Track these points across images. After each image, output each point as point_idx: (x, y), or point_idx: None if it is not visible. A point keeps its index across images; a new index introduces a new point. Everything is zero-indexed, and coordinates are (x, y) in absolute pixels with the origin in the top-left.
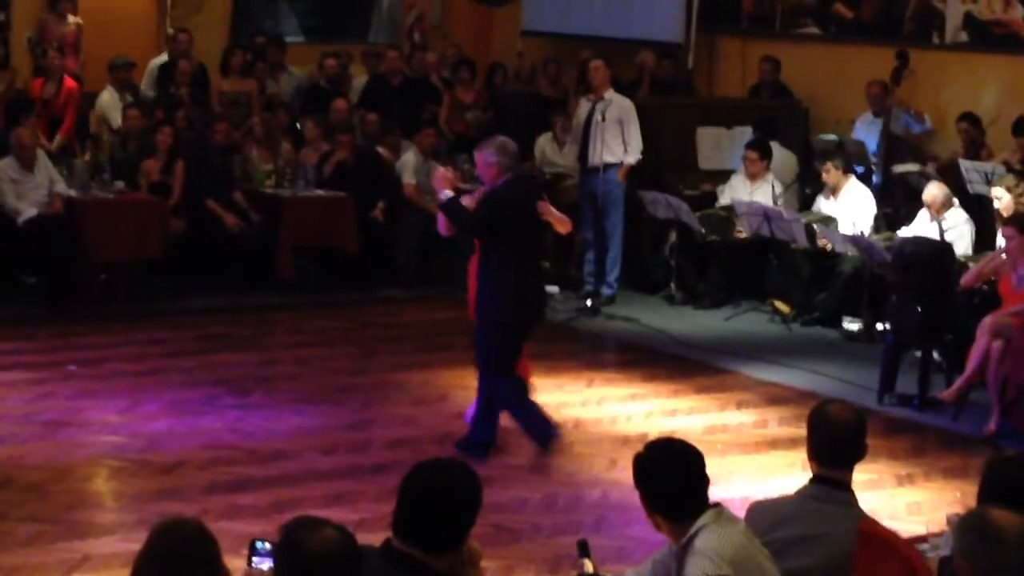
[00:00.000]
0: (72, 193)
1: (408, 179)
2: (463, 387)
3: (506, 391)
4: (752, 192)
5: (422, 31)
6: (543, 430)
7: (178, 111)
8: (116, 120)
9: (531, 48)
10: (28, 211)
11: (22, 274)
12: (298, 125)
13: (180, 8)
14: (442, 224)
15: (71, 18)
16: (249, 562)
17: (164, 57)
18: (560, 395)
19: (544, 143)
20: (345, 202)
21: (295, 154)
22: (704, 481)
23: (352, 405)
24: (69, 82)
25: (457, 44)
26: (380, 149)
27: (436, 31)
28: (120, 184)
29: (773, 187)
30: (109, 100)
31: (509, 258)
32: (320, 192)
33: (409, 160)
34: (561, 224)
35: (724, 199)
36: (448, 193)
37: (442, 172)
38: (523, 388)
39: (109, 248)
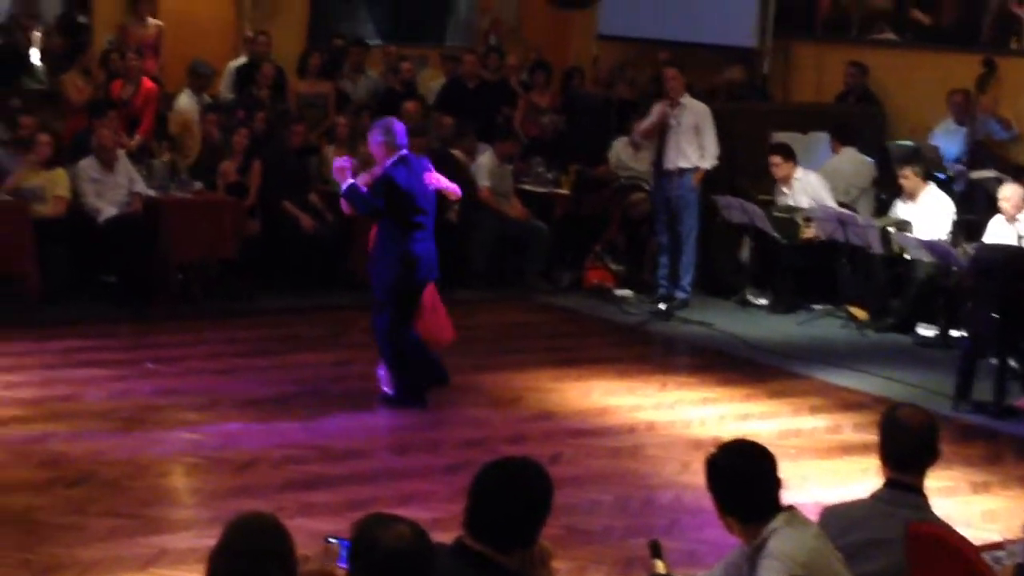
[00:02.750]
0: (151, 193)
1: (483, 182)
2: (536, 390)
3: (408, 342)
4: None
5: (498, 34)
6: (412, 390)
7: (257, 113)
8: (195, 123)
9: (607, 52)
10: (108, 210)
11: (102, 273)
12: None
13: (258, 11)
14: (344, 206)
15: (151, 21)
16: (333, 556)
17: (242, 59)
18: (633, 398)
19: (619, 147)
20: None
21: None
22: (777, 483)
23: (429, 402)
24: (148, 83)
25: (535, 47)
26: (455, 152)
27: (512, 34)
28: (198, 184)
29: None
30: (187, 103)
31: (403, 230)
32: None
33: (485, 163)
34: (450, 193)
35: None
36: (349, 181)
37: (338, 164)
38: (415, 343)
39: (186, 248)
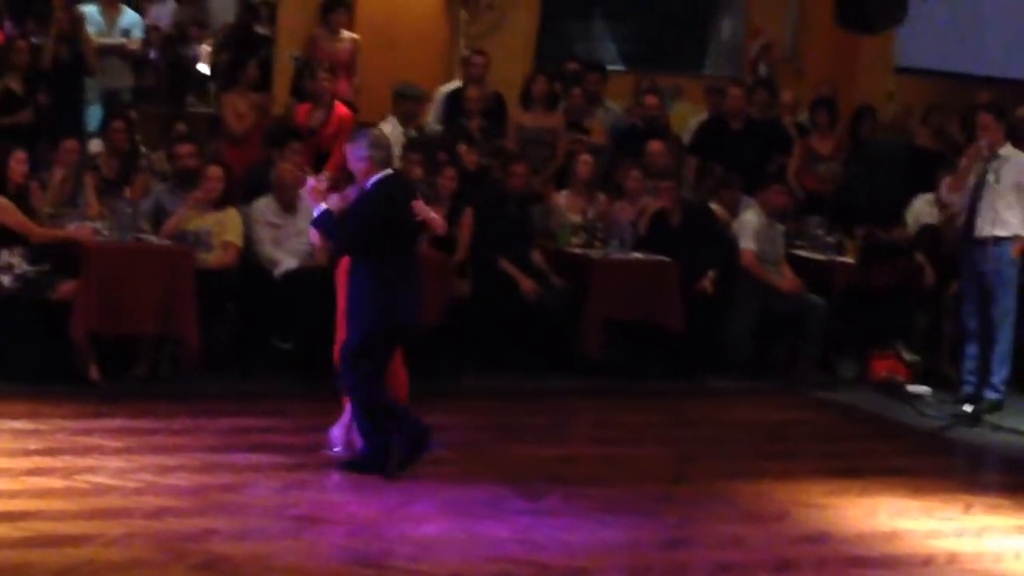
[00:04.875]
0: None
1: (747, 244)
2: (807, 504)
3: (376, 396)
4: None
5: (770, 63)
6: (375, 456)
7: (467, 148)
8: (397, 159)
9: (906, 88)
10: (287, 262)
11: (276, 338)
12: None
13: (478, 25)
14: (313, 235)
15: (345, 34)
16: None
17: (455, 83)
18: (930, 522)
19: (921, 206)
20: (668, 269)
21: (610, 207)
22: None
23: (668, 518)
24: (341, 109)
25: (816, 80)
26: (714, 205)
27: (787, 64)
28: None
29: None
30: (391, 134)
31: (379, 266)
32: (638, 255)
33: (749, 221)
34: (437, 225)
35: None
36: (322, 206)
37: (312, 184)
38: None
39: None
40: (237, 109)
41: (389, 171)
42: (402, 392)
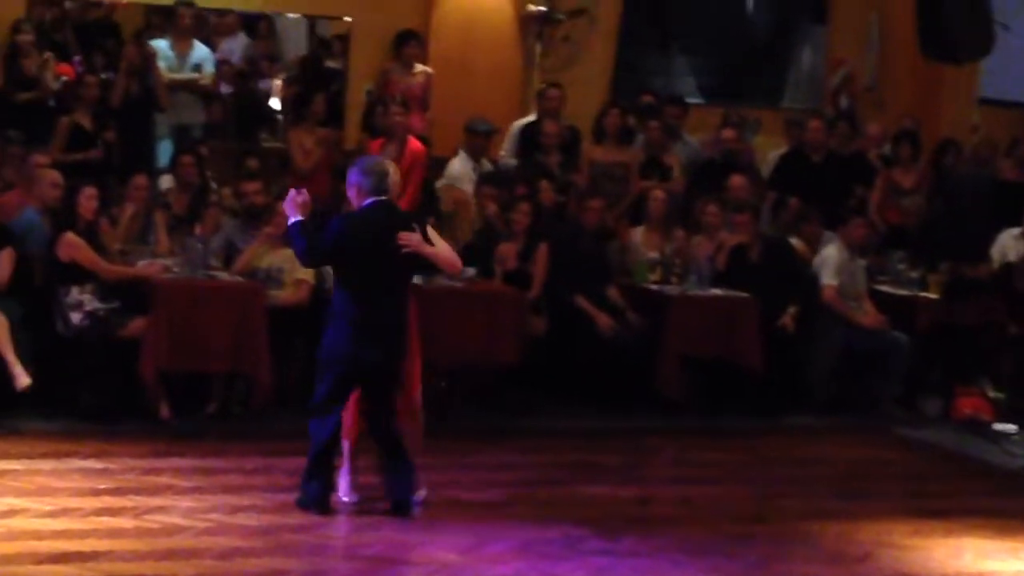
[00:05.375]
0: (415, 280)
1: (828, 280)
2: (890, 545)
3: (320, 432)
4: None
5: (851, 95)
6: (320, 494)
7: (542, 183)
8: (468, 194)
9: (991, 120)
10: None
11: None
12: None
13: (553, 58)
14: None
15: (419, 67)
16: None
17: (530, 117)
18: (1016, 563)
19: (1008, 242)
20: (747, 305)
21: (687, 242)
22: None
23: (748, 559)
24: (414, 144)
25: (899, 113)
26: (794, 240)
27: (868, 95)
28: (470, 271)
29: None
30: (461, 169)
31: (350, 293)
32: (716, 291)
33: (831, 256)
34: (446, 263)
35: None
36: (297, 217)
37: (292, 196)
38: (335, 434)
39: (453, 349)
40: (304, 145)
41: (380, 199)
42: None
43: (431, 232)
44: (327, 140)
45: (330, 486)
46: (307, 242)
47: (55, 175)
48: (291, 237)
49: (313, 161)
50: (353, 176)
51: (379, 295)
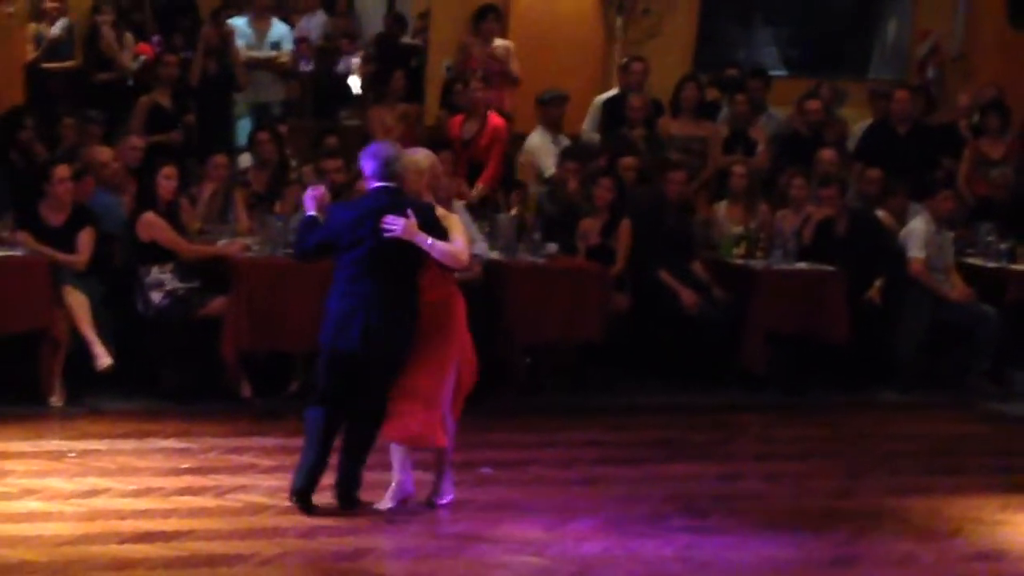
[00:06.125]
0: (494, 256)
1: (916, 253)
2: (980, 521)
3: (312, 423)
4: None
5: (938, 65)
6: (307, 480)
7: (625, 158)
8: (548, 168)
9: None
10: None
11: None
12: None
13: (634, 31)
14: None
15: (498, 42)
16: None
17: (612, 91)
18: None
19: None
20: (833, 279)
21: (772, 216)
22: None
23: (836, 536)
24: (495, 119)
25: (987, 82)
26: (880, 213)
27: (956, 65)
28: (553, 247)
29: None
30: (540, 143)
31: (340, 278)
32: (802, 265)
33: (918, 229)
34: (443, 255)
35: None
36: (312, 213)
37: (311, 191)
38: (330, 426)
39: (537, 325)
40: (384, 121)
41: (386, 185)
42: (396, 435)
43: (451, 221)
44: (408, 116)
45: (313, 481)
46: (300, 240)
47: (135, 139)
48: (298, 231)
49: (394, 138)
50: (361, 161)
51: (366, 284)
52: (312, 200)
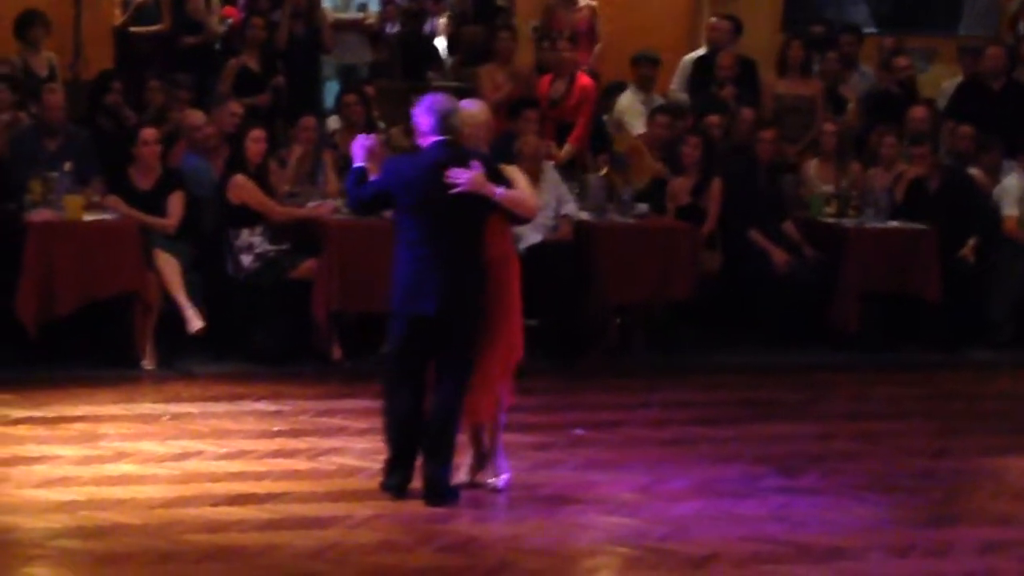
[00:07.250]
0: (584, 216)
1: (1010, 211)
2: None
3: (388, 394)
4: None
5: None
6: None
7: (715, 117)
8: (638, 128)
9: None
10: (530, 236)
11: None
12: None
13: None
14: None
15: (583, 2)
16: None
17: (701, 51)
18: None
19: None
20: (926, 237)
21: (864, 175)
22: None
23: (931, 495)
24: (583, 79)
25: None
26: (974, 171)
27: None
28: (643, 207)
29: None
30: (629, 103)
31: (405, 240)
32: (894, 224)
33: (1012, 186)
34: (514, 203)
35: None
36: (361, 164)
37: (361, 140)
38: (411, 406)
39: (627, 286)
40: (495, 80)
41: (442, 139)
42: (480, 416)
43: (512, 172)
44: (519, 75)
45: (408, 469)
46: (353, 191)
47: (234, 104)
48: (348, 182)
49: (504, 94)
50: (415, 115)
51: (435, 243)
52: (362, 149)
